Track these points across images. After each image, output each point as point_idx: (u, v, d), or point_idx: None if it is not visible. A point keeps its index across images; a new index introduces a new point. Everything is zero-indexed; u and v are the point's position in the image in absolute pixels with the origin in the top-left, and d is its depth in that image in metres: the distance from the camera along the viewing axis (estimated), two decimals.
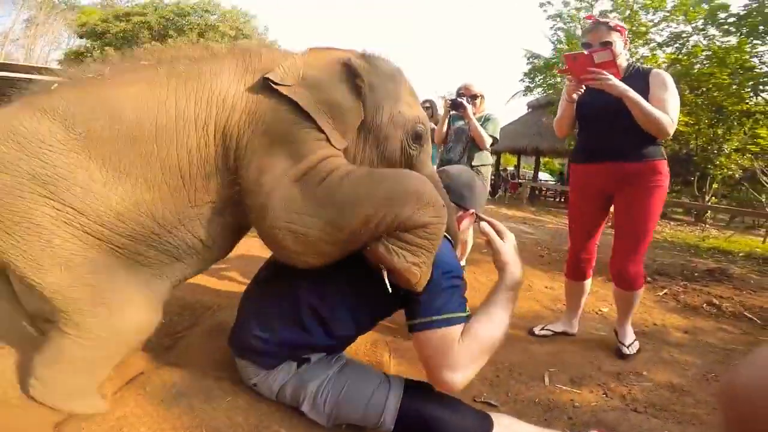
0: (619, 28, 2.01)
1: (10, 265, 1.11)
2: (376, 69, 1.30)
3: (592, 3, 11.88)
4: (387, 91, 1.29)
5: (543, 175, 19.21)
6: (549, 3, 12.73)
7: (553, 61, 13.35)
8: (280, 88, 1.15)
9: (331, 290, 1.30)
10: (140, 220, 1.16)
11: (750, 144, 10.14)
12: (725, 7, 9.93)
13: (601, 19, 2.03)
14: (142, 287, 1.22)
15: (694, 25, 10.64)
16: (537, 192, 14.80)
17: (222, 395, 1.34)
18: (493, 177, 16.15)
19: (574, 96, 2.04)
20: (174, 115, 1.16)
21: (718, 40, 10.36)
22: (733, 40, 10.09)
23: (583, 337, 2.44)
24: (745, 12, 9.55)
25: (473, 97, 3.03)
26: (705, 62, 10.38)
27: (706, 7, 10.16)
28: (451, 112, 3.04)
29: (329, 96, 1.18)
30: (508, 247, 1.33)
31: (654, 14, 11.29)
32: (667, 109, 1.92)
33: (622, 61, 2.05)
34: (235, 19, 17.74)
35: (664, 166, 2.07)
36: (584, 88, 2.01)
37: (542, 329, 2.43)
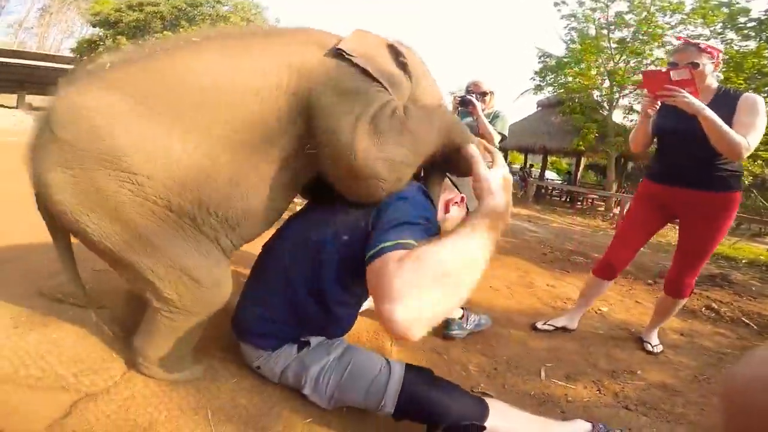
0: (709, 50, 1.97)
1: (99, 244, 1.12)
2: (409, 52, 1.45)
3: (608, 3, 11.80)
4: (419, 72, 1.45)
5: (550, 174, 19.14)
6: (563, 2, 12.68)
7: (566, 60, 13.32)
8: (352, 58, 1.23)
9: (323, 259, 1.28)
10: (214, 186, 1.17)
11: (762, 150, 10.05)
12: (746, 11, 9.87)
13: (692, 41, 2.01)
14: (215, 256, 1.25)
15: (712, 28, 10.57)
16: (543, 191, 14.78)
17: (227, 377, 1.40)
18: None
19: (649, 111, 2.04)
20: (249, 80, 1.17)
21: (736, 45, 10.28)
22: (751, 44, 10.01)
23: (581, 335, 2.48)
24: (766, 17, 9.47)
25: (483, 95, 3.03)
26: (722, 67, 10.30)
27: (725, 11, 10.08)
28: (459, 109, 3.05)
29: (388, 68, 1.31)
30: (494, 174, 1.18)
31: (671, 17, 11.22)
32: (747, 132, 1.86)
33: (712, 82, 2.01)
34: (247, 10, 17.80)
35: (738, 197, 2.06)
36: (659, 104, 2.01)
37: (544, 324, 2.48)
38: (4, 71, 15.77)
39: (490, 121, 2.95)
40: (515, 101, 30.08)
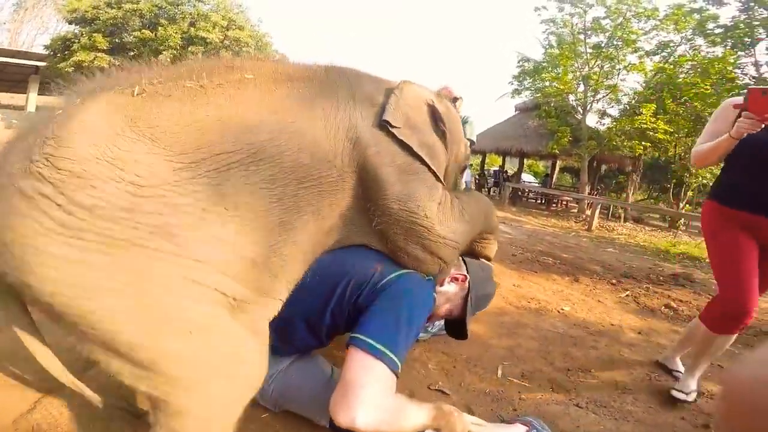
0: None
1: (105, 336, 0.85)
2: (449, 113, 1.49)
3: (586, 9, 12.08)
4: (455, 134, 1.51)
5: (527, 177, 19.53)
6: (544, 8, 12.92)
7: (543, 64, 13.59)
8: (395, 131, 1.25)
9: (334, 294, 1.27)
10: (261, 262, 1.02)
11: None
12: (715, 18, 10.20)
13: None
14: (254, 338, 1.05)
15: (683, 34, 10.92)
16: (519, 193, 15.04)
17: None
18: (477, 177, 16.35)
19: (745, 133, 1.72)
20: (306, 148, 1.08)
21: (703, 50, 10.64)
22: (718, 51, 10.36)
23: (542, 333, 2.55)
24: (732, 24, 9.81)
25: (453, 100, 3.07)
26: (689, 72, 10.64)
27: (697, 17, 10.42)
28: None
29: (428, 138, 1.35)
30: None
31: (646, 22, 11.54)
32: None
33: None
34: (228, 10, 17.58)
35: None
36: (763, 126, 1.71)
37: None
38: None
39: None
40: (495, 102, 30.49)
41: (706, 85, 9.58)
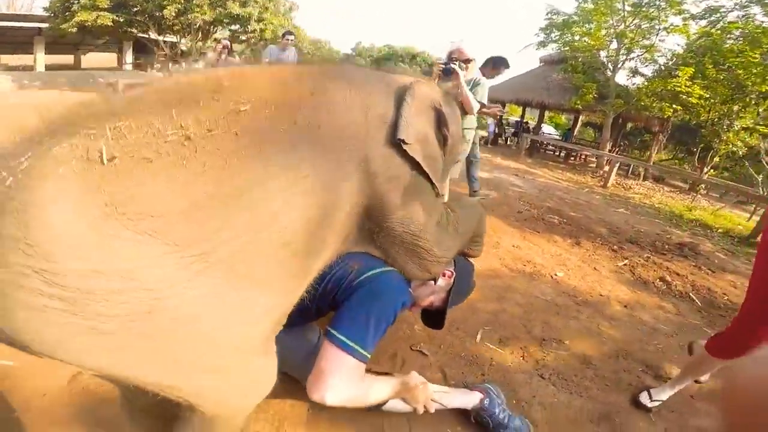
0: None
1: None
2: (453, 113, 1.46)
3: None
4: (455, 137, 1.48)
5: (547, 129, 18.94)
6: None
7: (574, 19, 12.78)
8: (407, 148, 1.19)
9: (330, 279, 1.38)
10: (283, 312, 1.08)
11: (761, 125, 10.16)
12: None
13: None
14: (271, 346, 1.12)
15: (737, 1, 10.13)
16: (538, 144, 14.71)
17: None
18: (496, 127, 15.85)
19: None
20: (321, 204, 1.01)
21: (758, 19, 9.95)
22: None
23: (528, 299, 2.66)
24: None
25: (466, 62, 2.96)
26: (738, 39, 10.02)
27: None
28: (441, 78, 2.89)
29: (432, 151, 1.34)
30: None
31: None
32: None
33: None
34: None
35: None
36: None
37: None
38: None
39: (470, 89, 2.97)
40: (518, 53, 28.54)
41: (755, 54, 8.94)
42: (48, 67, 16.78)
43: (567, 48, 13.29)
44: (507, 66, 4.11)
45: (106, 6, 13.43)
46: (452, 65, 2.80)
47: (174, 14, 13.50)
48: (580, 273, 3.33)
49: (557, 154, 15.03)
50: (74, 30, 13.72)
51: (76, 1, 13.64)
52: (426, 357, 1.95)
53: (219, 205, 0.83)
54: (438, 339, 2.08)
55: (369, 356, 1.28)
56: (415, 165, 1.26)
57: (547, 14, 13.49)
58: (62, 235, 0.68)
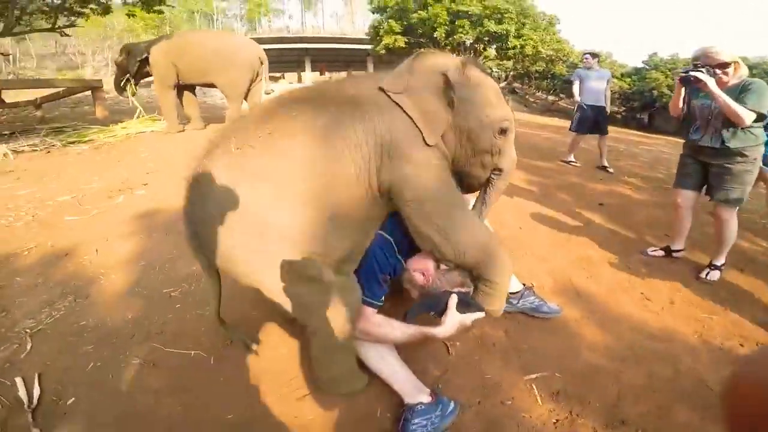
0: None
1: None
2: (468, 80, 1.60)
3: None
4: (475, 99, 1.61)
5: None
6: None
7: None
8: (391, 96, 1.51)
9: None
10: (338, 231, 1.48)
11: None
12: None
13: None
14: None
15: None
16: None
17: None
18: None
19: None
20: (348, 165, 1.44)
21: None
22: None
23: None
24: None
25: (720, 67, 2.43)
26: None
27: None
28: (690, 88, 2.54)
29: (426, 106, 1.53)
30: (450, 320, 1.56)
31: None
32: None
33: None
34: None
35: None
36: None
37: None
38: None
39: (738, 96, 2.39)
40: None
41: None
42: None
43: None
44: None
45: (398, 30, 16.62)
46: (693, 73, 2.38)
47: (444, 35, 15.65)
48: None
49: None
50: (383, 52, 17.44)
51: (381, 27, 16.31)
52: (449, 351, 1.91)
53: (300, 165, 1.41)
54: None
55: (381, 297, 1.64)
56: (406, 117, 1.50)
57: None
58: (220, 188, 1.39)
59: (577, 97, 5.70)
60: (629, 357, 1.96)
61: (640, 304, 2.43)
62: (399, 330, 1.59)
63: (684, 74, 2.42)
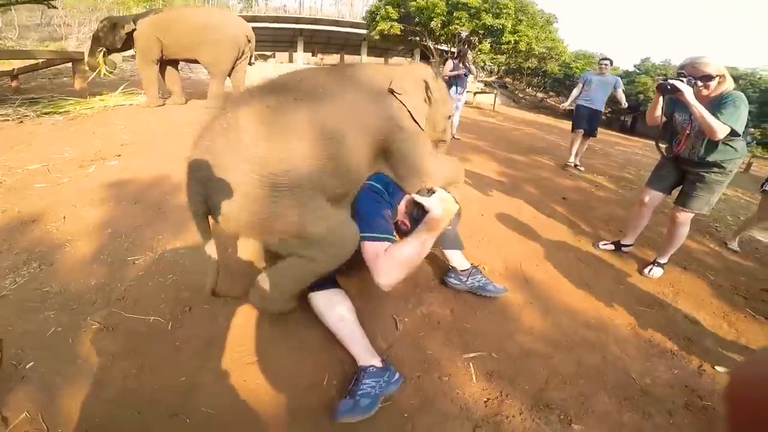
0: None
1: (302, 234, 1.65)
2: (438, 86, 2.25)
3: None
4: (440, 100, 2.25)
5: None
6: None
7: None
8: (396, 95, 1.99)
9: None
10: (341, 183, 1.76)
11: None
12: None
13: None
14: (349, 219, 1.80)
15: None
16: None
17: None
18: None
19: None
20: (355, 131, 1.77)
21: None
22: None
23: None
24: None
25: (703, 79, 2.43)
26: None
27: None
28: (666, 97, 2.54)
29: (417, 102, 2.07)
30: (432, 200, 1.87)
31: None
32: None
33: None
34: None
35: None
36: None
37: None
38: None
39: (717, 110, 2.37)
40: None
41: None
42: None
43: None
44: None
45: (395, 17, 16.69)
46: (671, 81, 2.38)
47: (440, 26, 15.69)
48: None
49: None
50: (377, 37, 17.60)
51: (377, 13, 16.81)
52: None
53: (304, 126, 1.65)
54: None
55: (391, 235, 1.79)
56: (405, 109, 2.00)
57: None
58: (249, 141, 1.58)
59: (571, 99, 5.95)
60: (562, 343, 2.11)
61: (582, 293, 2.59)
62: (415, 240, 1.76)
63: (662, 81, 2.42)
